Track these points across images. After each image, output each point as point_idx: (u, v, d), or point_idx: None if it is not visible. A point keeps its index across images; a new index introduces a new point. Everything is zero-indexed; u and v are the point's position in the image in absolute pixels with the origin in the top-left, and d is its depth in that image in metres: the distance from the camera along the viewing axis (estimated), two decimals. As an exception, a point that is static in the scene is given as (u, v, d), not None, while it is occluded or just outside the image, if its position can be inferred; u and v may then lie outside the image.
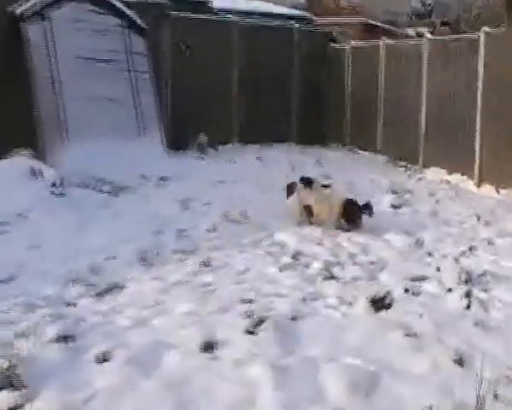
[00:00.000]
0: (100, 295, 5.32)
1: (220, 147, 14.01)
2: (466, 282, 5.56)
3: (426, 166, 11.82)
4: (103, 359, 4.09)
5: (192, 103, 13.52)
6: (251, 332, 4.49)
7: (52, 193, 8.48)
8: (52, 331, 4.44)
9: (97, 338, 4.39)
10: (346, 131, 14.82)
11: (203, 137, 13.44)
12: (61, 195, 8.62)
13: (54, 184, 8.65)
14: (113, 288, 5.47)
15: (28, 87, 10.89)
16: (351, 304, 5.09)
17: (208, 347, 4.26)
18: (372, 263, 6.26)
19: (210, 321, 4.71)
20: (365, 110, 13.96)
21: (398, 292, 5.27)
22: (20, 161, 9.04)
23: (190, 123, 13.45)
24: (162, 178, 10.44)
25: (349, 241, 6.99)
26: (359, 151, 14.13)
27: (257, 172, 11.31)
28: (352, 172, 11.87)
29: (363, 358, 4.11)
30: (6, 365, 3.79)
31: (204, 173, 11.02)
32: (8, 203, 7.64)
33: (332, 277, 5.81)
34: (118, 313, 4.92)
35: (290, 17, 18.30)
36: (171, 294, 5.40)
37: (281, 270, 6.01)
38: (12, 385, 3.67)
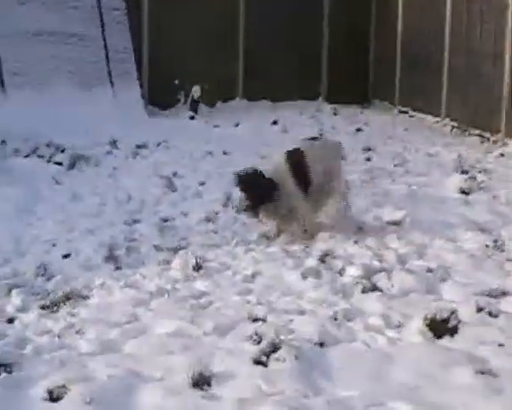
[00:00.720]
0: (51, 307, 5.31)
1: (220, 104, 13.99)
2: None
3: (511, 135, 11.72)
4: (54, 396, 4.08)
5: (183, 46, 13.47)
6: (261, 362, 4.47)
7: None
8: (-17, 357, 4.45)
9: (47, 367, 4.37)
10: (397, 85, 14.73)
11: (197, 91, 13.42)
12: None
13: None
14: (70, 298, 5.45)
15: None
16: (401, 326, 5.07)
17: (202, 381, 4.25)
18: (431, 270, 6.22)
19: (204, 346, 4.70)
20: (425, 57, 13.86)
21: (467, 312, 5.24)
22: None
23: (180, 72, 13.44)
24: (140, 146, 10.44)
25: (399, 239, 6.96)
26: (415, 113, 14.05)
27: (271, 141, 11.26)
28: (403, 142, 11.81)
29: (417, 402, 4.08)
30: None
31: (198, 140, 11.01)
32: None
33: (375, 288, 5.78)
34: (76, 334, 4.91)
35: None
36: (150, 307, 5.39)
37: (303, 277, 5.99)
38: None
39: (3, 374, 4.29)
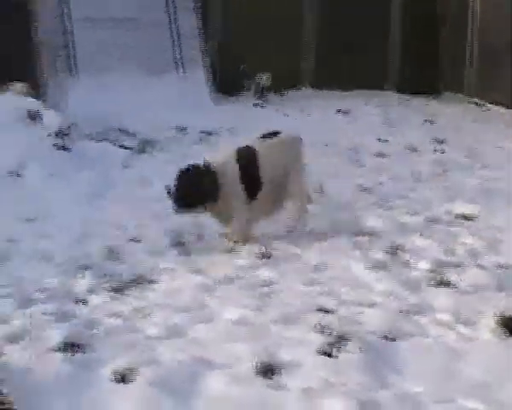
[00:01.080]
0: (120, 290, 5.42)
1: (287, 92, 13.98)
2: None
3: None
4: (121, 378, 4.16)
5: (252, 33, 13.49)
6: (328, 353, 4.47)
7: (55, 145, 8.67)
8: (55, 336, 4.54)
9: (116, 349, 4.47)
10: (470, 75, 14.50)
11: (265, 78, 13.44)
12: (68, 149, 8.80)
13: (57, 134, 8.82)
14: (138, 282, 5.56)
15: (24, 5, 11.17)
16: (472, 323, 5.00)
17: (267, 370, 4.28)
18: (504, 267, 6.13)
19: (270, 334, 4.72)
20: (500, 45, 13.60)
21: (543, 310, 5.15)
22: (13, 100, 9.27)
23: (247, 57, 13.46)
24: (207, 132, 10.51)
25: (471, 234, 6.88)
26: (489, 105, 13.80)
27: (337, 130, 11.22)
28: (475, 134, 11.63)
29: (489, 401, 4.04)
30: (-10, 379, 3.90)
31: (265, 128, 10.98)
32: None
33: (445, 283, 5.73)
34: (143, 317, 4.99)
35: None
36: (216, 294, 5.44)
37: (372, 269, 5.97)
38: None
39: (77, 354, 4.39)
